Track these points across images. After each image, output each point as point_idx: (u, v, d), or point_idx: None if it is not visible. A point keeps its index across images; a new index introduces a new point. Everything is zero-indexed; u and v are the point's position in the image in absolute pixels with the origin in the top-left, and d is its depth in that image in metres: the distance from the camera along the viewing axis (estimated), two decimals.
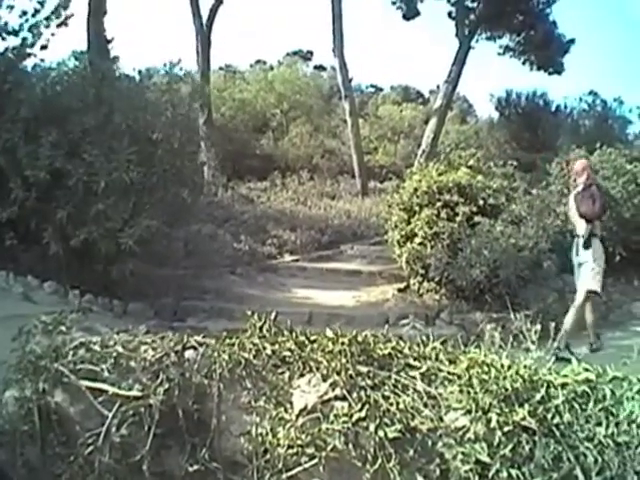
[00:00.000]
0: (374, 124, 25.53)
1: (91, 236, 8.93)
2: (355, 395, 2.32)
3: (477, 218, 11.35)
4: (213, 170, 20.43)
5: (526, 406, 2.35)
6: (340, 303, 11.31)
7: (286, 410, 2.32)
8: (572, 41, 22.22)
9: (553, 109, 23.56)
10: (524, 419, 2.26)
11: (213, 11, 21.55)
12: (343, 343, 2.62)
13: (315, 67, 33.00)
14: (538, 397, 2.44)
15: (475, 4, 22.04)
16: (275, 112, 24.46)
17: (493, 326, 4.51)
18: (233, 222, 16.02)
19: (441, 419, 2.28)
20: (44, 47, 11.39)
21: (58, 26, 11.52)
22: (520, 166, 16.77)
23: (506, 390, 2.39)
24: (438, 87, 23.67)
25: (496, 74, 50.87)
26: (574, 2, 38.75)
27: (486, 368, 2.56)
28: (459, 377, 2.48)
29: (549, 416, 2.37)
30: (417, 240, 11.38)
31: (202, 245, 13.10)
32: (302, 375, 2.47)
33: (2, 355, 2.91)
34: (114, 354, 2.61)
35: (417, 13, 22.88)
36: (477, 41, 22.40)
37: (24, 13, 10.82)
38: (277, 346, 2.69)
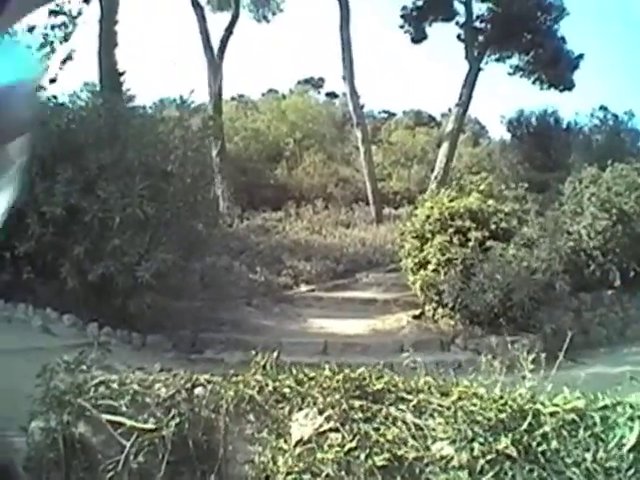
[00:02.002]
0: (387, 150, 25.73)
1: (108, 271, 9.27)
2: (348, 427, 2.55)
3: (489, 242, 11.56)
4: (228, 201, 20.78)
5: (510, 435, 2.54)
6: (355, 332, 11.54)
7: (285, 441, 2.55)
8: (581, 56, 22.37)
9: (565, 126, 23.63)
10: (507, 447, 2.46)
11: (223, 42, 22.02)
12: (338, 380, 2.85)
13: (327, 94, 33.41)
14: (525, 426, 2.62)
15: (483, 25, 22.38)
16: (288, 141, 24.78)
17: (491, 355, 4.64)
18: (248, 253, 16.24)
19: (427, 448, 2.49)
20: (53, 80, 11.74)
21: (63, 62, 11.83)
22: (533, 186, 16.94)
23: (489, 420, 2.59)
24: (450, 110, 23.96)
25: (508, 94, 50.91)
26: (582, 17, 38.85)
27: (475, 400, 2.77)
28: (448, 409, 2.70)
29: (534, 443, 2.56)
30: (430, 267, 11.59)
31: (218, 277, 13.32)
32: (301, 409, 2.70)
33: (23, 385, 3.22)
34: (131, 391, 2.88)
35: (425, 36, 23.29)
36: (487, 63, 22.74)
37: (29, 47, 11.22)
38: (278, 383, 2.92)
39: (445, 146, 21.53)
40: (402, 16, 22.80)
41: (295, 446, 2.49)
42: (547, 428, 2.67)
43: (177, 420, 2.68)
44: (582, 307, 12.96)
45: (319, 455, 2.42)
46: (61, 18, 11.84)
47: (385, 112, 35.12)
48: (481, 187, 13.06)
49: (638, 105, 18.66)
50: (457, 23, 22.86)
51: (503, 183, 16.19)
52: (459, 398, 2.80)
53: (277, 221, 19.97)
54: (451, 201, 12.36)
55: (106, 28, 18.09)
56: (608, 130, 22.11)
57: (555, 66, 21.98)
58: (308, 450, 2.46)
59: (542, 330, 11.04)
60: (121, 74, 18.68)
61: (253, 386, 2.92)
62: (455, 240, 11.59)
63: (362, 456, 2.39)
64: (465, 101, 21.89)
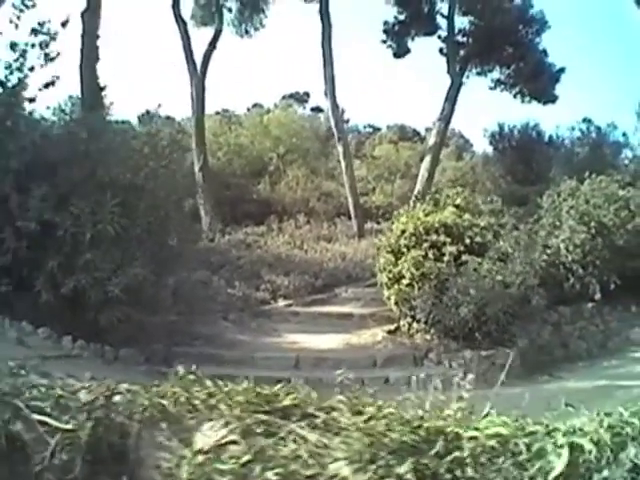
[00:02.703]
0: (371, 164, 25.86)
1: (80, 284, 9.35)
2: (248, 441, 2.55)
3: (465, 257, 11.57)
4: (210, 216, 20.76)
5: (415, 459, 2.50)
6: (329, 347, 11.56)
7: (190, 449, 2.59)
8: (562, 70, 22.56)
9: (547, 139, 23.79)
10: (407, 472, 2.42)
11: (206, 56, 22.12)
12: (248, 395, 2.87)
13: (312, 109, 33.60)
14: (435, 450, 2.58)
15: (465, 39, 22.55)
16: (272, 156, 24.83)
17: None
18: (228, 267, 16.31)
19: (324, 467, 2.46)
20: (32, 100, 11.79)
21: (46, 86, 11.89)
22: (514, 200, 17.01)
23: (395, 442, 2.56)
24: (433, 124, 24.02)
25: (492, 108, 51.34)
26: (565, 30, 39.33)
27: (384, 420, 2.74)
28: (355, 428, 2.67)
29: (442, 470, 2.50)
30: (404, 282, 11.60)
31: (195, 291, 13.34)
32: (210, 420, 2.73)
33: None
34: (56, 395, 2.97)
35: (407, 51, 23.48)
36: (468, 77, 22.94)
37: (9, 66, 11.19)
38: (190, 394, 2.96)
39: (427, 160, 21.62)
40: (384, 31, 22.95)
41: (197, 455, 2.51)
42: (464, 454, 2.59)
43: (92, 423, 2.72)
44: (562, 320, 13.00)
45: (216, 465, 2.44)
46: (41, 37, 11.78)
47: (370, 126, 35.44)
48: (457, 201, 13.07)
49: (621, 117, 18.81)
50: (439, 37, 23.07)
51: (484, 197, 16.28)
52: (370, 418, 2.76)
53: (259, 236, 19.99)
54: (426, 215, 12.40)
55: (88, 43, 18.14)
56: (591, 142, 22.20)
57: (536, 79, 22.18)
58: (208, 459, 2.49)
59: (517, 344, 11.06)
60: (102, 89, 18.73)
61: (168, 396, 2.96)
62: (430, 255, 11.62)
63: (257, 469, 2.39)
64: (447, 115, 22.01)
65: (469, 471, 2.52)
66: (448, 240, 11.81)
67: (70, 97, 19.28)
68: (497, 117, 27.71)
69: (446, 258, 11.51)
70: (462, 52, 22.44)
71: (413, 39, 23.27)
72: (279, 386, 3.15)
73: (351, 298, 15.04)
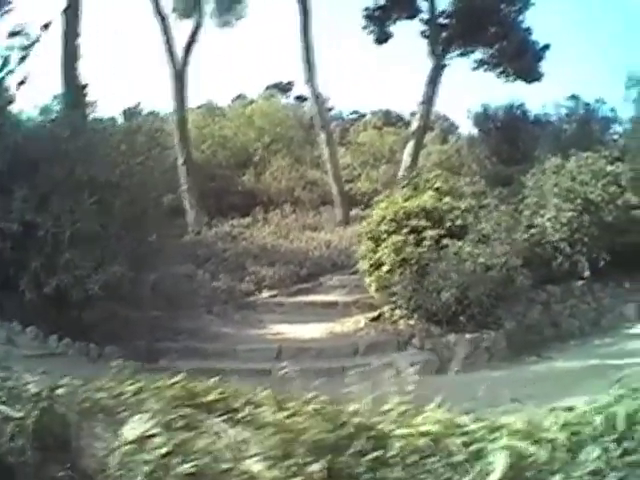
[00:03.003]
0: (355, 151, 25.75)
1: (62, 283, 9.58)
2: (169, 434, 2.56)
3: (445, 241, 11.53)
4: (195, 210, 20.67)
5: (332, 457, 2.43)
6: (312, 336, 11.59)
7: (119, 440, 2.62)
8: (546, 47, 22.19)
9: (533, 118, 23.59)
10: (321, 471, 2.37)
11: (187, 50, 21.89)
12: (174, 389, 2.88)
13: (296, 98, 33.33)
14: (355, 449, 2.51)
15: (447, 21, 22.29)
16: (257, 146, 24.71)
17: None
18: (214, 260, 16.22)
19: (239, 462, 2.43)
20: (10, 102, 11.79)
21: (19, 84, 11.87)
22: (498, 180, 16.92)
23: (315, 439, 2.51)
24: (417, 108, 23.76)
25: (477, 89, 51.12)
26: (549, 6, 38.95)
27: (307, 416, 2.70)
28: (275, 424, 2.64)
29: (362, 469, 2.43)
30: (385, 268, 11.55)
31: (178, 286, 13.41)
32: (139, 413, 2.76)
33: None
34: (10, 386, 3.01)
35: (389, 36, 23.17)
36: (451, 58, 22.53)
37: None
38: (124, 389, 3.02)
39: (410, 145, 21.46)
40: (365, 17, 22.71)
41: (124, 445, 2.58)
42: (392, 452, 2.52)
43: (38, 412, 2.88)
44: (551, 299, 13.00)
45: (140, 456, 2.47)
46: (21, 40, 11.81)
47: (355, 113, 35.29)
48: (436, 185, 13.00)
49: (610, 92, 18.54)
50: (421, 20, 22.72)
51: (468, 179, 16.23)
52: (293, 413, 2.73)
53: (245, 227, 19.91)
54: (406, 200, 12.33)
55: (69, 41, 18.04)
56: (578, 119, 21.98)
57: (520, 58, 21.83)
58: (133, 449, 2.52)
59: (503, 326, 11.05)
60: (84, 87, 18.64)
61: (104, 390, 3.08)
62: (410, 240, 11.57)
63: (174, 461, 2.39)
64: (429, 98, 21.79)
65: (397, 471, 2.43)
66: (428, 224, 11.80)
67: (55, 97, 19.33)
68: (483, 98, 27.28)
69: (426, 242, 11.48)
70: (444, 34, 22.08)
71: (395, 23, 22.91)
72: (212, 380, 3.13)
73: (336, 286, 14.99)
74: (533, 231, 13.73)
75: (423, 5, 22.45)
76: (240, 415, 2.76)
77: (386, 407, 2.92)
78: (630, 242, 13.56)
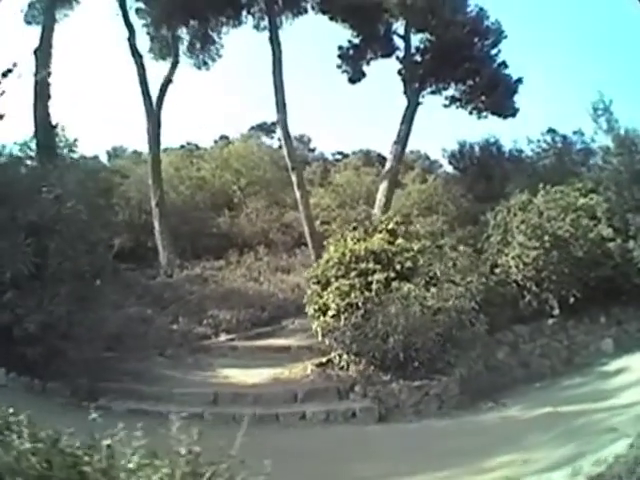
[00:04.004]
0: (333, 192, 25.66)
1: (4, 321, 9.87)
2: None
3: (395, 284, 11.32)
4: (168, 251, 20.57)
5: None
6: (256, 381, 11.49)
7: None
8: (519, 80, 21.99)
9: (508, 154, 23.35)
10: None
11: (162, 90, 22.09)
12: None
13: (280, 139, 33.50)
14: None
15: (420, 58, 22.32)
16: (234, 189, 24.72)
17: None
18: (178, 303, 16.09)
19: None
20: None
21: None
22: (469, 218, 16.69)
23: None
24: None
25: (456, 126, 51.35)
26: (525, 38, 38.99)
27: None
28: None
29: None
30: (330, 313, 11.31)
31: (132, 328, 13.67)
32: None
33: None
34: None
35: (362, 75, 23.24)
36: (423, 96, 22.51)
37: None
38: None
39: (384, 185, 21.39)
40: (339, 56, 22.82)
41: None
42: None
43: None
44: (519, 340, 12.73)
45: None
46: None
47: (339, 153, 35.49)
48: (389, 226, 12.83)
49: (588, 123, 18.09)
50: (397, 58, 22.77)
51: (445, 217, 16.11)
52: None
53: (217, 270, 19.88)
54: (356, 243, 12.15)
55: (40, 81, 18.25)
56: (557, 153, 21.72)
57: (492, 93, 21.73)
58: None
59: (455, 373, 10.76)
60: (54, 127, 18.78)
61: None
62: (357, 283, 11.36)
63: None
64: (403, 137, 21.74)
65: None
66: (378, 267, 11.59)
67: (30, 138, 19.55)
68: (461, 135, 27.01)
69: (374, 286, 11.26)
70: (420, 71, 22.05)
71: (368, 63, 23.01)
72: None
73: (297, 330, 14.90)
74: (497, 270, 13.53)
75: (398, 43, 22.53)
76: None
77: None
78: (604, 276, 13.40)
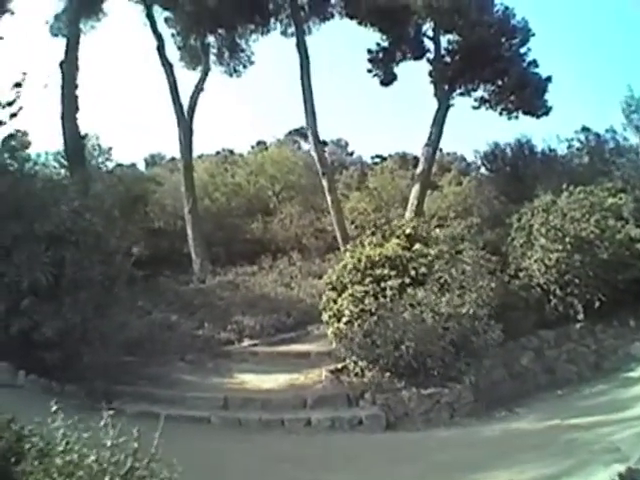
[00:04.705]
0: (369, 196, 25.59)
1: (23, 327, 10.32)
2: None
3: (410, 290, 11.27)
4: (201, 258, 20.87)
5: None
6: (270, 387, 11.61)
7: None
8: (549, 79, 21.55)
9: (540, 154, 22.81)
10: None
11: (194, 99, 22.45)
12: None
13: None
14: None
15: (449, 59, 22.18)
16: (270, 194, 24.94)
17: None
18: (206, 309, 16.32)
19: None
20: None
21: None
22: (499, 221, 16.47)
23: None
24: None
25: (490, 127, 50.61)
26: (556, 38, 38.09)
27: None
28: None
29: None
30: (344, 319, 11.33)
31: (155, 333, 14.04)
32: None
33: None
34: None
35: (394, 78, 23.27)
36: (453, 98, 22.34)
37: None
38: None
39: (416, 188, 21.29)
40: (369, 60, 22.85)
41: None
42: None
43: None
44: (544, 345, 12.54)
45: None
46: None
47: (378, 157, 35.34)
48: (407, 231, 12.76)
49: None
50: (428, 60, 22.65)
51: (459, 222, 15.93)
52: None
53: (250, 275, 20.03)
54: (373, 249, 12.15)
55: (67, 93, 18.78)
56: (589, 152, 21.27)
57: (521, 93, 21.41)
58: None
59: (468, 380, 10.66)
60: (83, 137, 19.32)
61: None
62: (371, 290, 11.35)
63: None
64: (435, 140, 21.62)
65: None
66: (392, 273, 11.56)
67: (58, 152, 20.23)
68: (498, 136, 26.62)
69: (388, 292, 11.24)
70: (449, 73, 21.89)
71: (398, 65, 23.04)
72: None
73: (321, 335, 14.81)
74: (521, 274, 13.35)
75: (429, 45, 22.41)
76: None
77: None
78: (633, 278, 13.11)
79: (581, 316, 13.05)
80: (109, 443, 3.86)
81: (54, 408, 4.15)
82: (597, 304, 12.87)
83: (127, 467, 3.77)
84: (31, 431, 4.13)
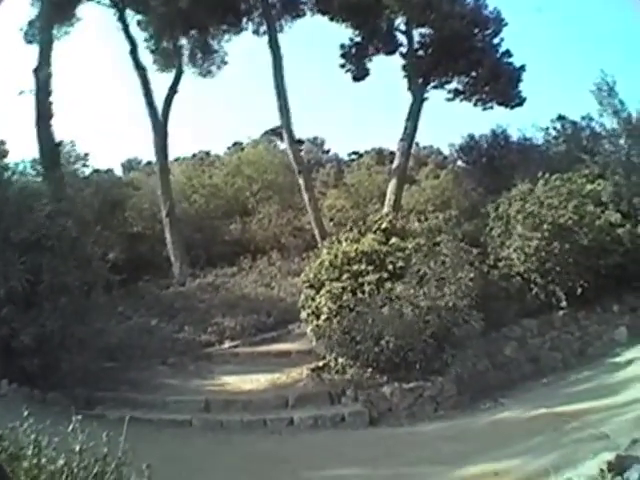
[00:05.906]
0: (347, 192, 25.57)
1: (2, 335, 10.37)
2: None
3: (388, 284, 11.22)
4: (180, 261, 20.72)
5: None
6: (252, 387, 11.57)
7: None
8: (522, 68, 21.65)
9: (516, 144, 22.74)
10: None
11: (168, 101, 22.28)
12: None
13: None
14: None
15: (423, 53, 22.23)
16: (247, 195, 24.81)
17: None
18: (185, 312, 16.23)
19: None
20: None
21: None
22: (477, 212, 16.48)
23: None
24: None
25: (466, 119, 50.63)
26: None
27: None
28: None
29: None
30: (322, 316, 11.27)
31: (134, 338, 13.96)
32: None
33: None
34: None
35: (367, 73, 23.29)
36: (427, 91, 22.40)
37: None
38: None
39: (393, 183, 21.33)
40: (342, 55, 22.89)
41: None
42: None
43: None
44: (527, 334, 12.54)
45: None
46: None
47: (354, 153, 35.32)
48: (383, 226, 12.72)
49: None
50: (401, 54, 22.76)
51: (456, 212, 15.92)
52: None
53: (230, 276, 19.92)
54: (349, 245, 12.09)
55: (41, 100, 18.60)
56: (566, 140, 21.27)
57: (495, 83, 21.47)
58: None
59: (451, 373, 10.64)
60: (58, 144, 19.12)
61: None
62: (349, 286, 11.29)
63: None
64: (410, 134, 21.71)
65: None
66: (370, 268, 11.51)
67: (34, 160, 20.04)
68: (474, 129, 26.55)
69: (366, 288, 11.18)
70: (423, 66, 21.94)
71: (371, 59, 23.05)
72: None
73: (303, 334, 14.76)
74: (500, 264, 13.34)
75: (401, 39, 22.44)
76: None
77: None
78: (615, 263, 13.13)
79: (564, 303, 13.09)
80: (77, 448, 3.87)
81: (25, 413, 4.15)
82: (579, 291, 12.91)
83: (94, 471, 3.79)
84: (1, 436, 4.07)
